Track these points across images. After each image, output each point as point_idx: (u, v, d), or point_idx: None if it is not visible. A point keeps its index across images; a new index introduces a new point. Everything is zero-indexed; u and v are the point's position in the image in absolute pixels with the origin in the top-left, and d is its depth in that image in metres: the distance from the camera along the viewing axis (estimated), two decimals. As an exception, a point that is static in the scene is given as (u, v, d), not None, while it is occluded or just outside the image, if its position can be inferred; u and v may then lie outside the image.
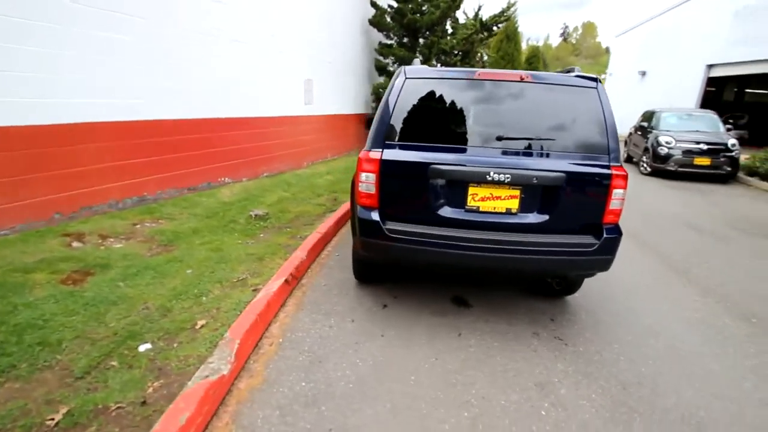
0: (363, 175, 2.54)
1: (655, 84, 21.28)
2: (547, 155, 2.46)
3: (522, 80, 2.47)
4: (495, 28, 15.01)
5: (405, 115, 2.49)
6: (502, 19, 14.62)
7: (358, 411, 1.95)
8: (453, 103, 2.53)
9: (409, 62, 9.61)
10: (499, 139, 2.46)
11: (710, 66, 18.03)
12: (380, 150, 2.50)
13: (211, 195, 5.46)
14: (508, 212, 2.46)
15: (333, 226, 4.59)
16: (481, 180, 2.41)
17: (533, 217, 2.46)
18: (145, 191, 4.86)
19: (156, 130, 4.88)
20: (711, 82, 19.57)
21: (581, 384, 2.19)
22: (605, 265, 2.49)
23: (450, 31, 11.22)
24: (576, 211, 2.47)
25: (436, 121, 2.54)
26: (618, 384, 2.21)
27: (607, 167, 2.43)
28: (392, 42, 10.42)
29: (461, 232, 2.45)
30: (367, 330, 2.66)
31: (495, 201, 2.45)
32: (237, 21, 5.93)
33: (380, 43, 10.34)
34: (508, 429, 1.87)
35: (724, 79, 20.09)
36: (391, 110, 2.51)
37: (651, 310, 3.07)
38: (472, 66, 13.41)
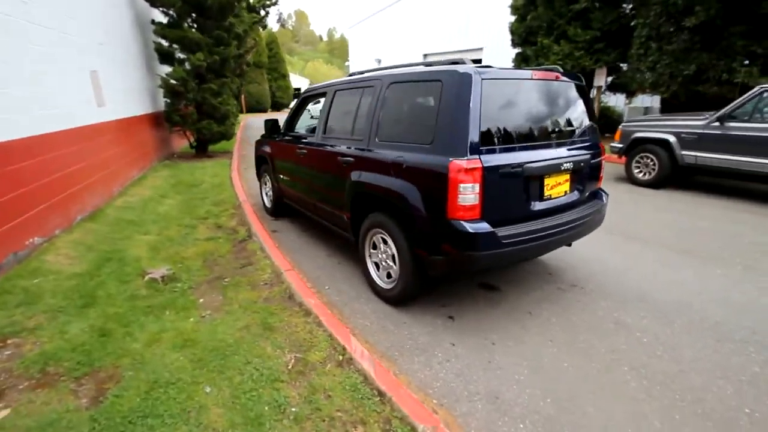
0: (463, 187, 2.25)
1: (390, 69, 25.70)
2: (579, 143, 2.88)
3: (557, 79, 2.74)
4: (262, 11, 14.34)
5: (484, 117, 2.32)
6: (268, 3, 14.09)
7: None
8: (519, 102, 2.55)
9: (197, 48, 8.09)
10: (553, 132, 2.68)
11: (425, 55, 23.23)
12: (476, 157, 2.27)
13: (38, 272, 3.24)
14: (565, 194, 2.77)
15: (286, 256, 3.68)
16: (555, 171, 2.60)
17: (574, 195, 2.87)
18: None
19: None
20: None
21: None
22: (604, 218, 3.20)
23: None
24: (588, 184, 3.03)
25: (510, 121, 2.49)
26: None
27: (597, 145, 3.07)
28: (169, 19, 8.38)
29: (548, 220, 2.60)
30: (474, 346, 2.47)
31: (558, 187, 2.70)
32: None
33: (155, 21, 8.12)
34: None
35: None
36: (471, 113, 2.29)
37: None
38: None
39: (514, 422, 1.93)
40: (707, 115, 5.80)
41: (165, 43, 8.21)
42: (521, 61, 11.05)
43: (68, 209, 4.34)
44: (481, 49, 19.69)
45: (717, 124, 5.54)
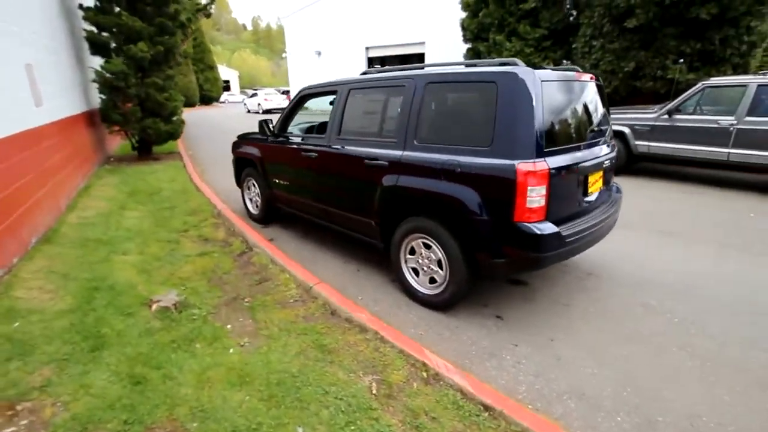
0: (531, 190, 2.25)
1: (330, 63, 25.13)
2: (608, 140, 3.02)
3: (592, 80, 2.83)
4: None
5: (544, 118, 2.33)
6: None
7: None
8: (567, 102, 2.59)
9: (138, 37, 7.22)
10: (593, 131, 2.78)
11: (368, 48, 23.08)
12: (542, 159, 2.28)
13: (14, 313, 2.64)
14: (599, 191, 2.90)
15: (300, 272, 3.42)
16: (599, 169, 2.71)
17: (605, 191, 3.02)
18: None
19: None
20: (377, 61, 25.09)
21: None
22: None
23: None
24: (610, 178, 3.20)
25: (562, 122, 2.52)
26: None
27: (613, 144, 3.26)
28: (96, 2, 7.31)
29: (592, 216, 2.71)
30: (535, 344, 2.51)
31: (596, 184, 2.81)
32: None
33: (83, 6, 7.03)
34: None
35: (388, 58, 26.01)
36: (535, 115, 2.28)
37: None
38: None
39: (611, 416, 1.99)
40: (656, 109, 6.46)
41: (98, 31, 7.17)
42: (473, 56, 11.43)
43: (20, 232, 3.63)
44: (423, 43, 20.03)
45: (666, 116, 6.20)
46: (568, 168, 2.44)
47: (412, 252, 2.97)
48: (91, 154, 7.02)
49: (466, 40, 11.66)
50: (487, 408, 1.90)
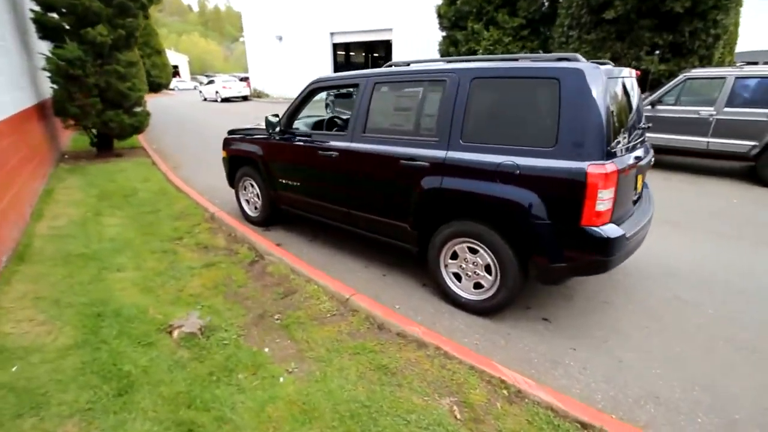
0: (601, 192, 2.16)
1: (293, 48, 24.12)
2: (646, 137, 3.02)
3: (637, 75, 2.77)
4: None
5: (610, 117, 2.24)
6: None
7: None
8: (622, 99, 2.50)
9: (97, 19, 6.46)
10: (640, 128, 2.74)
11: (332, 33, 22.35)
12: (611, 160, 2.19)
13: (6, 354, 2.21)
14: (640, 189, 2.89)
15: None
16: (648, 166, 2.68)
17: (644, 188, 3.02)
18: None
19: None
20: (343, 46, 24.35)
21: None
22: None
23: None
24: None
25: (620, 120, 2.43)
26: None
27: None
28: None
29: (640, 213, 2.70)
30: (593, 347, 2.48)
31: (639, 182, 2.79)
32: None
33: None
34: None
35: (354, 44, 25.34)
36: (603, 114, 2.18)
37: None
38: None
39: (692, 419, 1.98)
40: (639, 99, 6.68)
41: (45, 11, 6.28)
42: (450, 45, 11.32)
43: (-11, 250, 3.09)
44: (390, 29, 19.67)
45: (649, 107, 6.43)
46: (629, 167, 2.38)
47: (454, 256, 2.83)
48: (46, 153, 6.22)
49: (442, 28, 11.51)
50: (584, 426, 1.82)
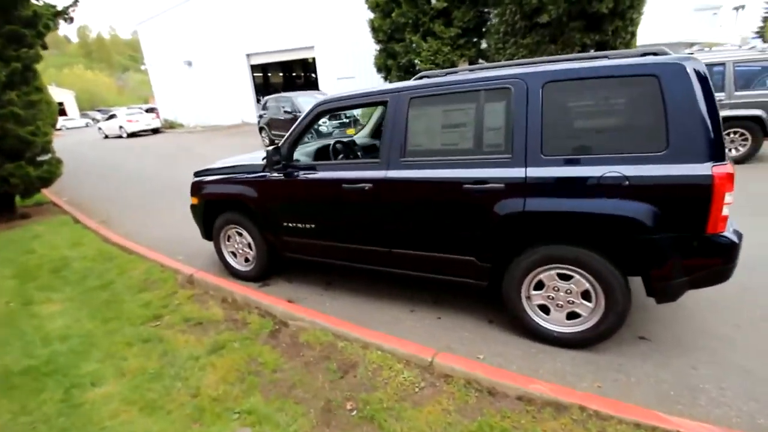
0: (728, 196, 1.95)
1: (205, 73, 22.46)
2: None
3: None
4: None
5: (716, 112, 2.04)
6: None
7: None
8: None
9: None
10: None
11: (249, 55, 21.24)
12: (726, 160, 1.99)
13: None
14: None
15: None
16: None
17: None
18: None
19: None
20: (260, 68, 23.18)
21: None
22: None
23: None
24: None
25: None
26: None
27: None
28: None
29: None
30: (712, 362, 2.26)
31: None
32: None
33: None
34: None
35: (273, 65, 24.31)
36: (714, 109, 1.97)
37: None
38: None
39: None
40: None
41: None
42: (387, 58, 11.18)
43: None
44: (311, 47, 19.17)
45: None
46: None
47: (538, 286, 2.45)
48: None
49: (377, 41, 11.35)
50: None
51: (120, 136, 21.05)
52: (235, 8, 19.66)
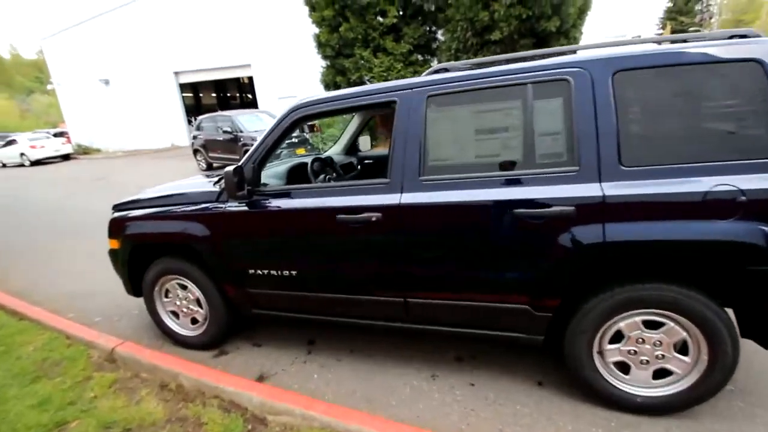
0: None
1: (125, 92, 20.32)
2: None
3: None
4: None
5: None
6: None
7: None
8: None
9: None
10: None
11: (177, 73, 19.58)
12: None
13: None
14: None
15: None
16: None
17: None
18: None
19: None
20: (190, 87, 21.46)
21: None
22: None
23: None
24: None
25: None
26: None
27: None
28: None
29: None
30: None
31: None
32: None
33: None
34: None
35: (204, 84, 22.72)
36: None
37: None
38: None
39: None
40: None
41: None
42: (336, 74, 10.57)
43: None
44: (248, 65, 18.09)
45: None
46: None
47: (615, 338, 1.87)
48: None
49: (325, 57, 10.71)
50: None
51: (21, 165, 18.11)
52: (160, 22, 18.01)
